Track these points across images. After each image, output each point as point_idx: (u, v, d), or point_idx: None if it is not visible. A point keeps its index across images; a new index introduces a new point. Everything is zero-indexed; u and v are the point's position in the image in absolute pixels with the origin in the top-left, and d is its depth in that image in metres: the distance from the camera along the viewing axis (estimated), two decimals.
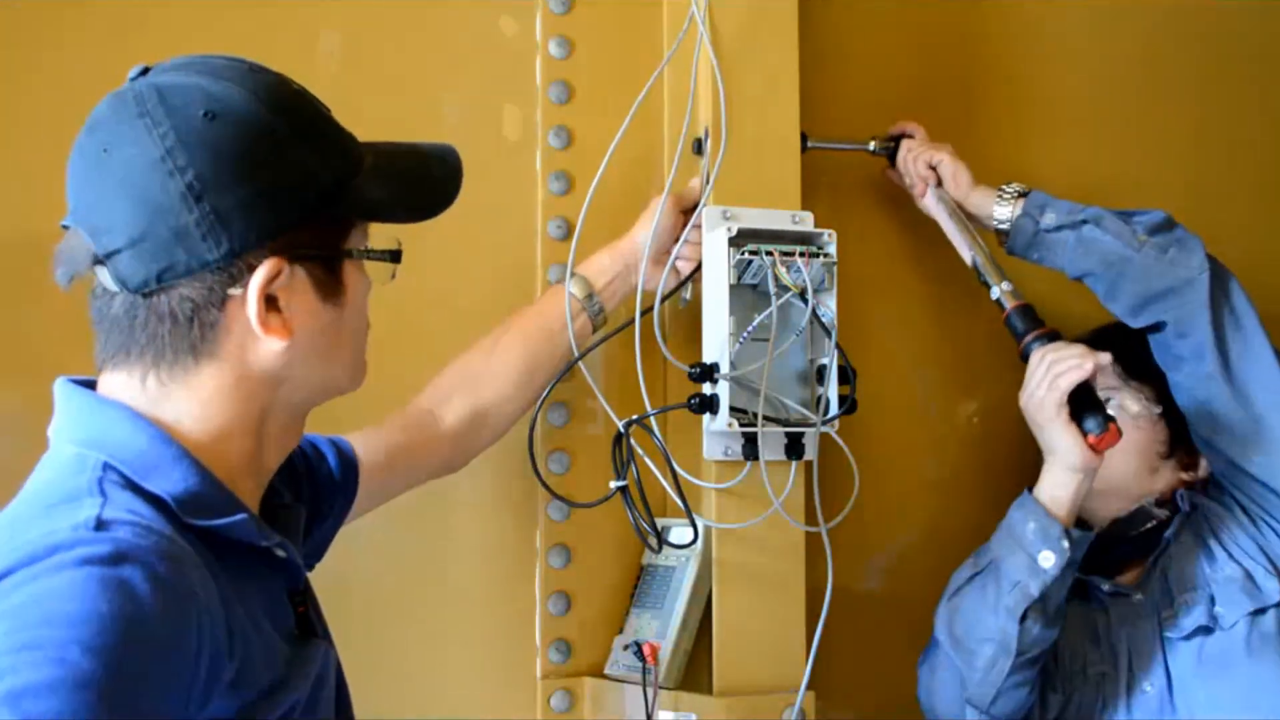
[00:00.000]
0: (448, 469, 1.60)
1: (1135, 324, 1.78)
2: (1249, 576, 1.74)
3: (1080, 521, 1.71)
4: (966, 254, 1.82)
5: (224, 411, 1.11)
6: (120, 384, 1.11)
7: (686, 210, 1.68)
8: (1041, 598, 1.66)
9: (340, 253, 1.15)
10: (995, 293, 1.77)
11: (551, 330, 1.63)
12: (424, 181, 1.23)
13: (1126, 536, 1.83)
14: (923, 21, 1.99)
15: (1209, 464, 1.83)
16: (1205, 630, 1.75)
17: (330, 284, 1.14)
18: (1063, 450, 1.66)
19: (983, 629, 1.71)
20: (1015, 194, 1.82)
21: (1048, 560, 1.66)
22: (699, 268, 1.66)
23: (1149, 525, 1.83)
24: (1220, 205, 2.17)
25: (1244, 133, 2.23)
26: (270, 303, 1.10)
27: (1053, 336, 1.72)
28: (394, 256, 1.19)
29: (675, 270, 1.67)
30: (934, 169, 1.85)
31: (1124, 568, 1.85)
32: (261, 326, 1.09)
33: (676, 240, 1.66)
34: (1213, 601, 1.74)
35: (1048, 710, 1.82)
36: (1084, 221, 1.77)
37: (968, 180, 1.84)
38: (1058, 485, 1.67)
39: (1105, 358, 1.65)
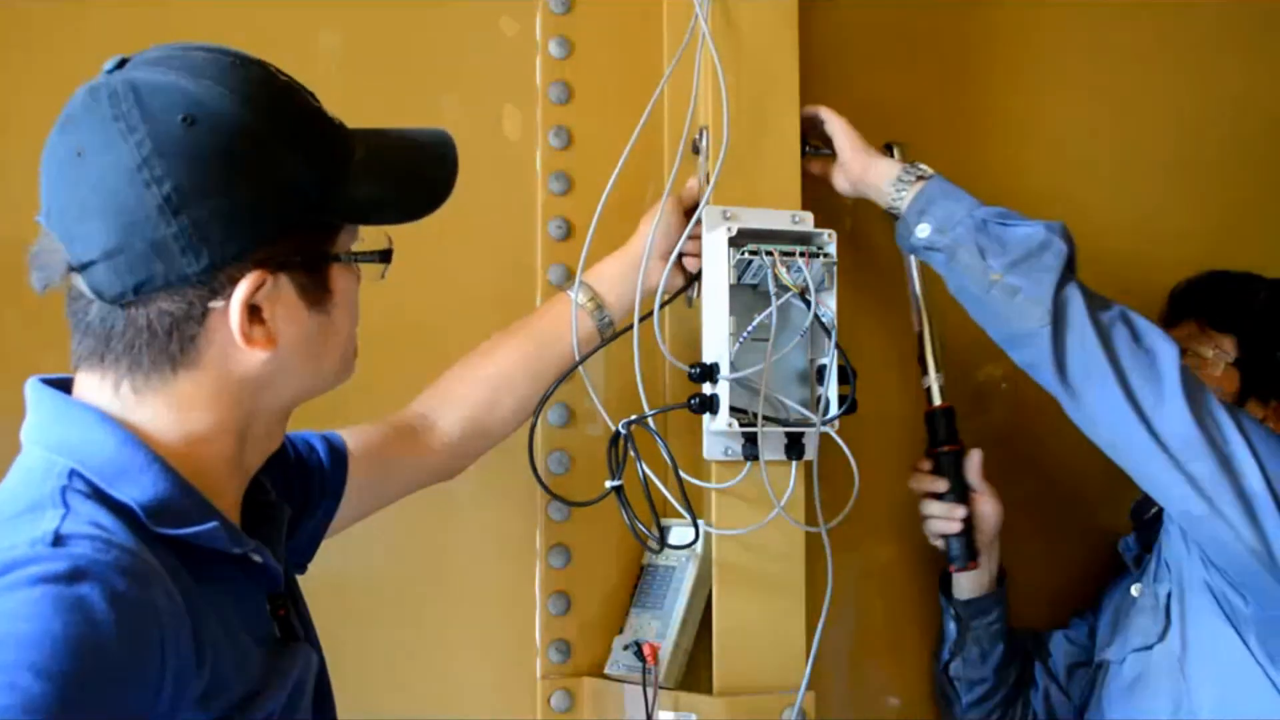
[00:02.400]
0: (442, 476, 1.57)
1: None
2: (1156, 606, 1.74)
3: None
4: (915, 324, 1.84)
5: (203, 418, 1.08)
6: (94, 386, 1.08)
7: (689, 210, 1.66)
8: (952, 655, 1.88)
9: (326, 258, 1.11)
10: (926, 381, 1.82)
11: (554, 338, 1.59)
12: (416, 180, 1.18)
13: (1141, 521, 1.84)
14: (923, 21, 1.99)
15: None
16: (1108, 660, 1.80)
17: (316, 291, 1.10)
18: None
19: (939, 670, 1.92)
20: (915, 177, 1.68)
21: (950, 628, 1.89)
22: (694, 279, 1.66)
23: (1153, 512, 1.83)
24: (1215, 207, 2.17)
25: (1237, 135, 2.22)
26: (254, 312, 1.07)
27: (956, 456, 1.81)
28: (384, 256, 1.16)
29: (681, 269, 1.66)
30: (815, 122, 1.74)
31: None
32: (244, 339, 1.06)
33: (677, 244, 1.64)
34: (1126, 629, 1.78)
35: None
36: (939, 250, 1.64)
37: (863, 145, 1.70)
38: (955, 577, 1.87)
39: (961, 510, 1.80)
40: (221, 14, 1.61)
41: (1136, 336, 1.58)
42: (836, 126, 1.72)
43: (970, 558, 1.81)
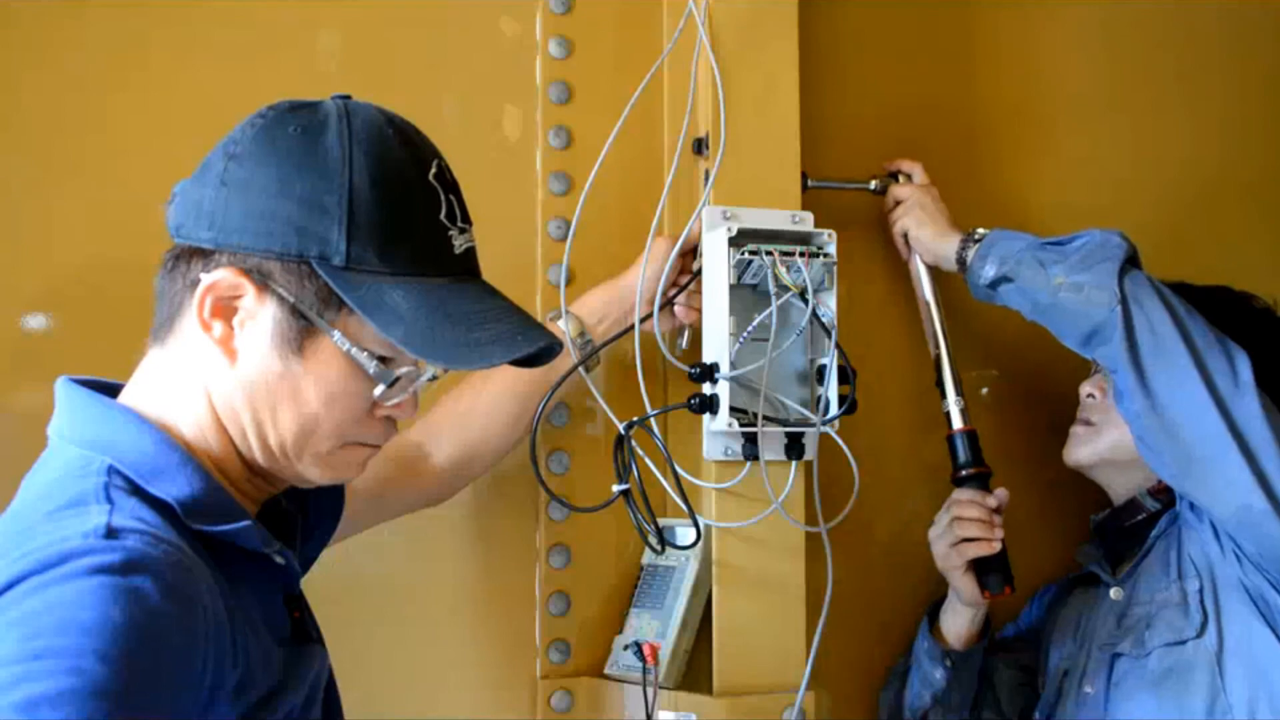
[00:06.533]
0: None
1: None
2: (1184, 602, 1.73)
3: (983, 633, 1.85)
4: (931, 348, 1.86)
5: (223, 422, 1.11)
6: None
7: (686, 252, 1.66)
8: (935, 702, 1.84)
9: (306, 317, 1.08)
10: (946, 404, 1.84)
11: (542, 368, 1.60)
12: (464, 344, 1.11)
13: (1121, 528, 1.84)
14: (924, 20, 1.99)
15: None
16: (1123, 654, 1.77)
17: (291, 339, 1.08)
18: (960, 590, 1.80)
19: (908, 716, 1.90)
20: (976, 239, 1.78)
21: (937, 675, 1.84)
22: (695, 276, 1.66)
23: (1140, 517, 1.83)
24: (1218, 220, 2.17)
25: (1244, 149, 2.21)
26: (227, 316, 1.08)
27: (983, 480, 1.80)
28: (383, 376, 1.10)
29: (672, 313, 1.67)
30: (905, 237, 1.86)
31: (1123, 559, 1.85)
32: (203, 325, 1.08)
33: (675, 285, 1.65)
34: (1147, 624, 1.75)
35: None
36: (1006, 280, 1.71)
37: (929, 234, 1.82)
38: (954, 616, 1.84)
39: (1000, 531, 1.76)
40: (223, 14, 1.61)
41: (1209, 327, 1.62)
42: (911, 222, 1.83)
43: (1008, 580, 1.78)
